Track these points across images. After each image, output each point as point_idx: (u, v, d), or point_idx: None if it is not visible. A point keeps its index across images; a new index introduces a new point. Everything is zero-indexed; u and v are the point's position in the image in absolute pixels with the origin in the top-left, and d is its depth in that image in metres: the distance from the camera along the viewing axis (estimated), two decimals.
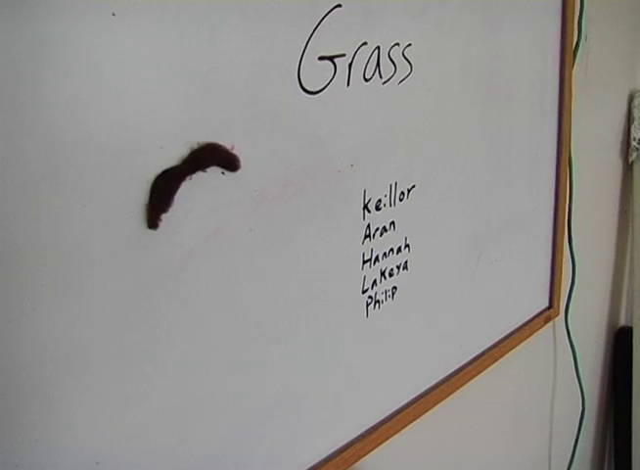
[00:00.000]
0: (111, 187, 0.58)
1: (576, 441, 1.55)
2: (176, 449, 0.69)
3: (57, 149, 0.54)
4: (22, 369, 0.56)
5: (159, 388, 0.66)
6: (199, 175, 0.64)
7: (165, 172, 0.61)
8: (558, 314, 1.38)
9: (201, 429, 0.71)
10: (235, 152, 0.67)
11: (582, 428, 1.56)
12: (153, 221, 0.61)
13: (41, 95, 0.53)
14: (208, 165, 0.64)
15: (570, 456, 1.56)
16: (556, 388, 1.52)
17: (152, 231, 0.61)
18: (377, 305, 0.90)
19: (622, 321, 1.79)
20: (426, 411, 1.03)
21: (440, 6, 0.89)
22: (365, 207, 0.84)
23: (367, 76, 0.80)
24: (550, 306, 1.36)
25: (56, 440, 0.59)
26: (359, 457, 0.91)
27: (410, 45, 0.85)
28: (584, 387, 1.52)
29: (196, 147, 0.63)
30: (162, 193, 0.61)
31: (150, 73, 0.59)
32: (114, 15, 0.56)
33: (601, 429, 1.78)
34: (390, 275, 0.91)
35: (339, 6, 0.74)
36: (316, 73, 0.74)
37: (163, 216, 0.62)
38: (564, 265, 1.36)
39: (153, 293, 0.63)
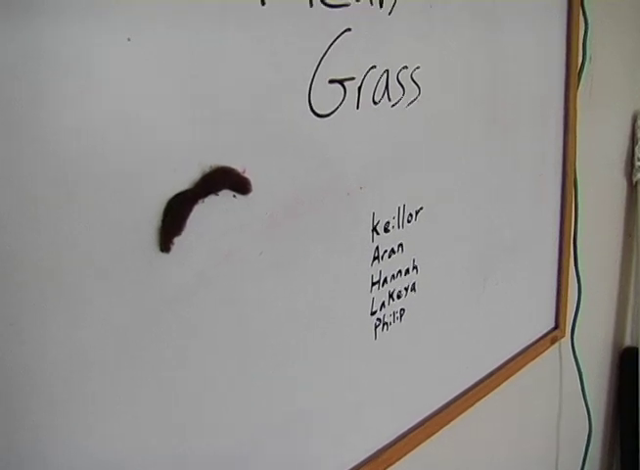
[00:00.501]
0: (124, 210, 0.59)
1: (584, 461, 1.55)
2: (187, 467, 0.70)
3: (72, 172, 0.55)
4: (29, 392, 0.56)
5: (168, 409, 0.66)
6: (211, 198, 0.64)
7: (178, 196, 0.61)
8: (564, 335, 1.38)
9: (210, 448, 0.71)
10: (246, 175, 0.67)
11: (590, 449, 1.55)
12: (165, 245, 0.61)
13: (58, 119, 0.53)
14: (220, 189, 0.65)
15: None
16: (562, 409, 1.52)
17: (164, 254, 0.62)
18: (385, 327, 0.90)
19: (628, 341, 1.79)
20: (433, 434, 1.03)
21: (447, 30, 0.90)
22: (374, 229, 0.85)
23: (376, 99, 0.81)
24: (556, 327, 1.36)
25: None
26: None
27: (418, 68, 0.86)
28: (591, 407, 1.52)
29: (208, 170, 0.64)
30: (175, 216, 0.61)
31: (163, 97, 0.60)
32: (129, 40, 0.57)
33: (608, 449, 1.78)
34: (399, 297, 0.92)
35: (348, 30, 0.75)
36: (326, 97, 0.74)
37: (176, 240, 0.62)
38: (569, 286, 1.36)
39: (164, 316, 0.63)
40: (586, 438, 1.53)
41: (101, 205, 0.57)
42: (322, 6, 0.72)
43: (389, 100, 0.83)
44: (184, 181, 0.62)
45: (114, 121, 0.57)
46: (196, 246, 0.64)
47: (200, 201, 0.63)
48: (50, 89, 0.53)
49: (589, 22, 1.25)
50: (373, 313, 0.88)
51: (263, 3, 0.66)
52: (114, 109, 0.57)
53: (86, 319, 0.58)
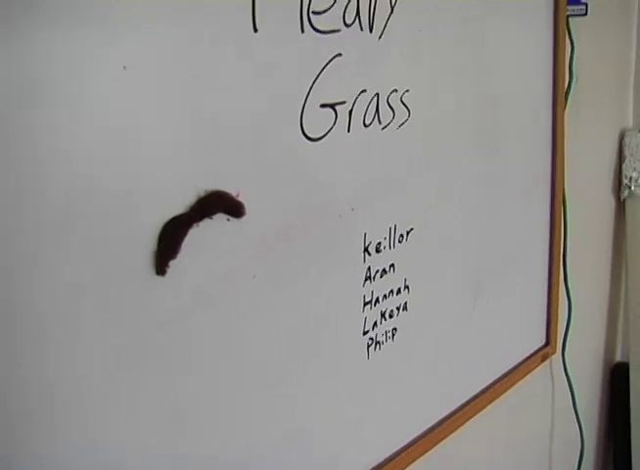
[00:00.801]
0: (120, 234, 0.60)
1: None
2: None
3: (68, 196, 0.56)
4: (27, 414, 0.57)
5: (167, 427, 0.67)
6: (205, 222, 0.66)
7: (173, 220, 0.63)
8: (555, 352, 1.40)
9: (208, 467, 0.72)
10: (240, 199, 0.68)
11: (582, 465, 1.57)
12: (161, 268, 0.62)
13: (54, 145, 0.54)
14: (215, 212, 0.66)
15: None
16: (554, 425, 1.53)
17: (160, 277, 0.63)
18: (377, 346, 0.91)
19: (619, 357, 1.80)
20: (426, 452, 1.04)
21: (436, 53, 0.92)
22: (366, 249, 0.86)
23: (367, 122, 0.83)
24: (547, 344, 1.37)
25: None
26: None
27: (408, 91, 0.88)
28: (583, 424, 1.53)
29: (203, 194, 0.65)
30: (170, 240, 0.62)
31: (158, 123, 0.61)
32: (124, 68, 0.58)
33: (601, 466, 1.79)
34: (391, 316, 0.93)
35: (339, 55, 0.77)
36: (318, 120, 0.76)
37: (171, 263, 0.63)
38: (559, 303, 1.38)
39: (159, 338, 0.64)
40: (579, 455, 1.55)
41: (97, 229, 0.58)
42: (313, 32, 0.74)
43: (380, 123, 0.85)
44: (179, 205, 0.64)
45: (111, 147, 0.58)
46: (190, 269, 0.65)
47: (194, 224, 0.65)
48: (46, 115, 0.54)
49: (575, 43, 1.28)
50: (365, 333, 0.89)
51: (256, 30, 0.68)
52: (111, 135, 0.58)
53: (83, 342, 0.59)
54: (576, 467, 1.56)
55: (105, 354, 0.60)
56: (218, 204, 0.66)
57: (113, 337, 0.61)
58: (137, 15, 0.58)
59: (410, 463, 1.01)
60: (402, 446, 1.00)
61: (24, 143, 0.53)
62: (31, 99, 0.53)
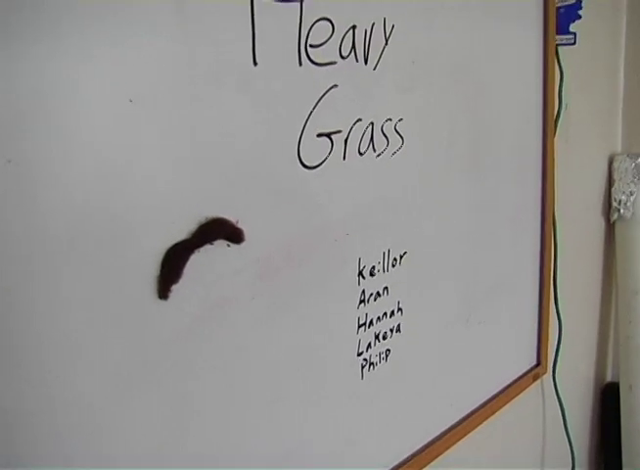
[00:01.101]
0: (125, 260, 0.62)
1: None
2: None
3: (74, 222, 0.58)
4: (30, 438, 0.59)
5: (168, 448, 0.69)
6: (206, 247, 0.68)
7: (176, 246, 0.65)
8: (546, 372, 1.42)
9: None
10: (240, 225, 0.71)
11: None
12: (163, 292, 0.64)
13: (62, 172, 0.57)
14: (216, 239, 0.69)
15: None
16: (546, 444, 1.54)
17: (162, 301, 0.65)
18: (371, 367, 0.93)
19: (609, 377, 1.82)
20: (421, 468, 1.06)
21: (429, 83, 0.95)
22: (360, 273, 0.89)
23: (362, 150, 0.85)
24: (538, 364, 1.39)
25: None
26: None
27: (401, 120, 0.91)
28: (573, 443, 1.54)
29: (204, 221, 0.67)
30: (173, 266, 0.65)
31: (161, 154, 0.64)
32: (131, 101, 0.60)
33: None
34: (384, 338, 0.95)
35: (335, 86, 0.79)
36: (315, 149, 0.79)
37: (173, 287, 0.65)
38: (550, 324, 1.40)
39: (162, 359, 0.67)
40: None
41: (103, 255, 0.61)
42: (310, 64, 0.76)
43: (374, 151, 0.87)
44: (181, 232, 0.66)
45: (116, 177, 0.61)
46: (191, 292, 0.68)
47: (196, 250, 0.67)
48: (56, 145, 0.56)
49: (564, 71, 1.31)
50: (359, 354, 0.91)
51: (255, 63, 0.70)
52: (117, 165, 0.60)
53: (88, 363, 0.61)
54: None
55: (109, 374, 0.63)
56: (219, 230, 0.69)
57: (117, 358, 0.63)
58: (141, 49, 0.61)
59: None
60: (397, 463, 1.02)
61: (29, 173, 0.55)
62: (43, 128, 0.55)
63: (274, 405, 0.80)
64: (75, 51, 0.57)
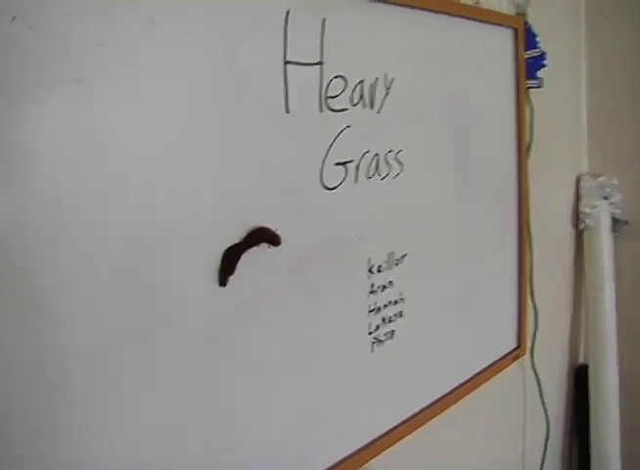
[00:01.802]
0: (196, 257, 0.74)
1: (544, 457, 1.64)
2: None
3: (160, 231, 0.70)
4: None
5: (211, 412, 0.80)
6: (253, 249, 0.79)
7: (231, 247, 0.76)
8: (525, 353, 1.48)
9: (245, 440, 0.84)
10: (278, 232, 0.82)
11: (549, 446, 1.65)
12: (223, 281, 0.76)
13: (139, 195, 0.69)
14: (259, 242, 0.80)
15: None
16: (526, 412, 1.60)
17: (221, 288, 0.76)
18: (380, 343, 1.03)
19: (581, 359, 1.87)
20: (416, 429, 1.13)
21: (424, 120, 1.06)
22: (370, 270, 0.99)
23: (370, 175, 0.96)
24: (518, 347, 1.45)
25: None
26: (363, 463, 1.02)
27: (401, 151, 1.01)
28: (549, 413, 1.62)
29: (251, 229, 0.79)
30: (229, 261, 0.76)
31: (224, 182, 0.75)
32: (198, 139, 0.72)
33: (565, 448, 1.85)
34: (390, 321, 1.05)
35: (348, 126, 0.91)
36: (333, 175, 0.90)
37: (230, 278, 0.77)
38: (529, 315, 1.48)
39: (221, 332, 0.78)
40: (545, 437, 1.63)
41: (180, 254, 0.72)
42: (328, 111, 0.88)
43: (379, 175, 0.98)
44: (235, 237, 0.78)
45: (192, 196, 0.72)
46: (243, 282, 0.79)
47: (246, 251, 0.78)
48: (126, 164, 0.68)
49: (534, 109, 1.41)
50: (370, 333, 1.01)
51: (288, 111, 0.82)
52: (192, 189, 0.72)
53: (162, 340, 0.72)
54: (543, 446, 1.64)
55: (179, 348, 0.74)
56: (262, 236, 0.80)
57: (187, 332, 0.74)
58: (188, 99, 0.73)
59: (402, 437, 1.09)
60: (396, 423, 1.09)
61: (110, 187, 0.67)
62: (89, 148, 0.67)
63: (299, 374, 0.89)
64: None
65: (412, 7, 1.01)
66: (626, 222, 1.76)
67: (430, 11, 1.05)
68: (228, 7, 0.74)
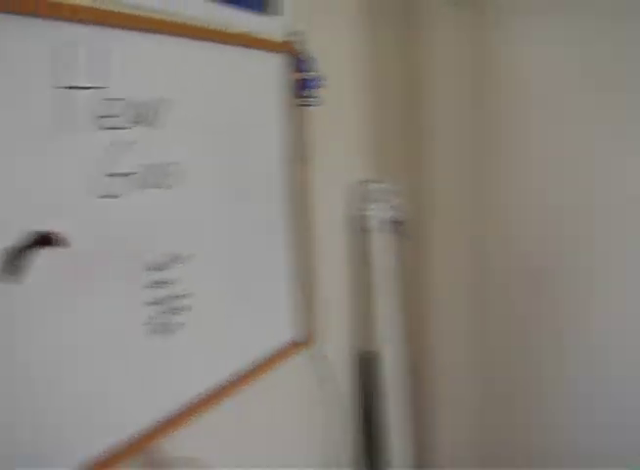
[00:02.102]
0: None
1: (335, 440, 1.79)
2: None
3: None
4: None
5: None
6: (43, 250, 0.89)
7: (16, 248, 0.86)
8: (309, 342, 1.60)
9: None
10: (62, 237, 0.92)
11: (338, 429, 1.79)
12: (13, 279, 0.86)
13: None
14: (45, 245, 0.89)
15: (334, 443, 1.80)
16: (319, 394, 1.73)
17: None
18: (157, 333, 1.12)
19: (366, 346, 1.98)
20: (201, 411, 1.22)
21: (198, 137, 1.19)
22: (149, 268, 1.10)
23: (152, 185, 1.10)
24: (306, 336, 1.59)
25: None
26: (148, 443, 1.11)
27: (181, 163, 1.15)
28: (339, 397, 1.76)
29: (34, 233, 0.89)
30: (13, 262, 0.86)
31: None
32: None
33: (355, 431, 1.96)
34: (174, 313, 1.15)
35: (131, 142, 1.03)
36: (116, 185, 1.02)
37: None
38: (317, 306, 1.61)
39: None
40: (337, 415, 1.78)
41: None
42: (109, 130, 1.00)
43: (161, 186, 1.11)
44: (17, 240, 0.87)
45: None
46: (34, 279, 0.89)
47: (30, 252, 0.88)
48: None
49: (314, 123, 1.55)
50: (146, 324, 1.10)
51: (62, 130, 0.92)
52: None
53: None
54: (336, 429, 1.77)
55: None
56: (46, 239, 0.90)
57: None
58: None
59: (186, 420, 1.18)
60: (178, 407, 1.18)
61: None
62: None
63: (80, 359, 0.98)
64: None
65: (190, 37, 1.15)
66: (403, 223, 1.96)
67: (206, 40, 1.20)
68: None
